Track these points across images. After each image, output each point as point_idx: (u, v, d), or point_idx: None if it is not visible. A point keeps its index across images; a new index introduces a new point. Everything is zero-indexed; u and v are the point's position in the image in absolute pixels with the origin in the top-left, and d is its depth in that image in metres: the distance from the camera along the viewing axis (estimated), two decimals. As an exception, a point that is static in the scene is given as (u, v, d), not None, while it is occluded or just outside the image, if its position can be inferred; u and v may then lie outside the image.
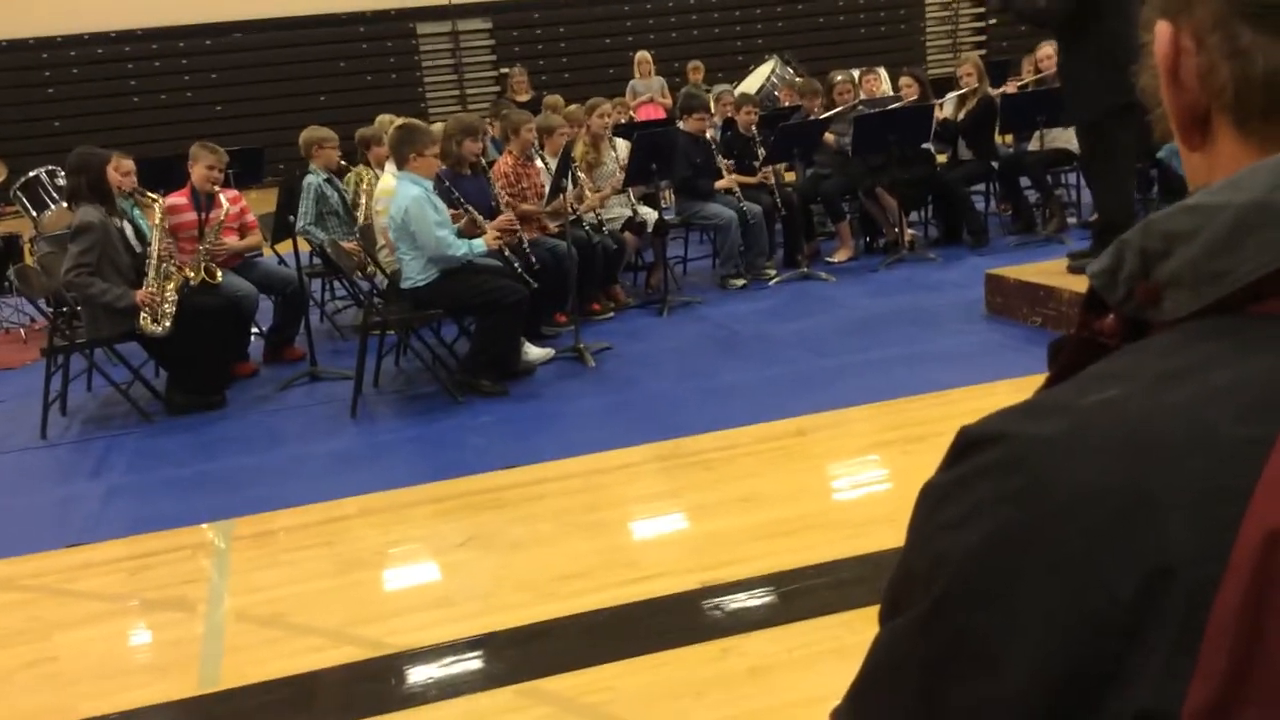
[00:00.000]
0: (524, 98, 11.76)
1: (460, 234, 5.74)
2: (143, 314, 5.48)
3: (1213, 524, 0.47)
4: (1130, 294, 0.57)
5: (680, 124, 7.81)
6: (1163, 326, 0.56)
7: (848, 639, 3.05)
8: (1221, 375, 0.51)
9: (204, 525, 4.31)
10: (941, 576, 0.53)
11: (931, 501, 0.56)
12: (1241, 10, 0.55)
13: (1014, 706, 0.50)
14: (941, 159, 8.40)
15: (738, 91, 9.78)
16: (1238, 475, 0.47)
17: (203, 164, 6.19)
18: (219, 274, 5.98)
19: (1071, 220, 8.26)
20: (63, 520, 4.48)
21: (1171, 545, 0.47)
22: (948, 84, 8.77)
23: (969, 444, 0.56)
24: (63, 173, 7.43)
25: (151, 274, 5.58)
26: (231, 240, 6.30)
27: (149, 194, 5.92)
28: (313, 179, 6.77)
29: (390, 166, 6.10)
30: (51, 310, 5.92)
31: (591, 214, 7.03)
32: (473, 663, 3.19)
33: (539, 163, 7.00)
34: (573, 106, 8.11)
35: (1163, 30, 0.59)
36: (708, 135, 7.78)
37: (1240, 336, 0.52)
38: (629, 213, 7.28)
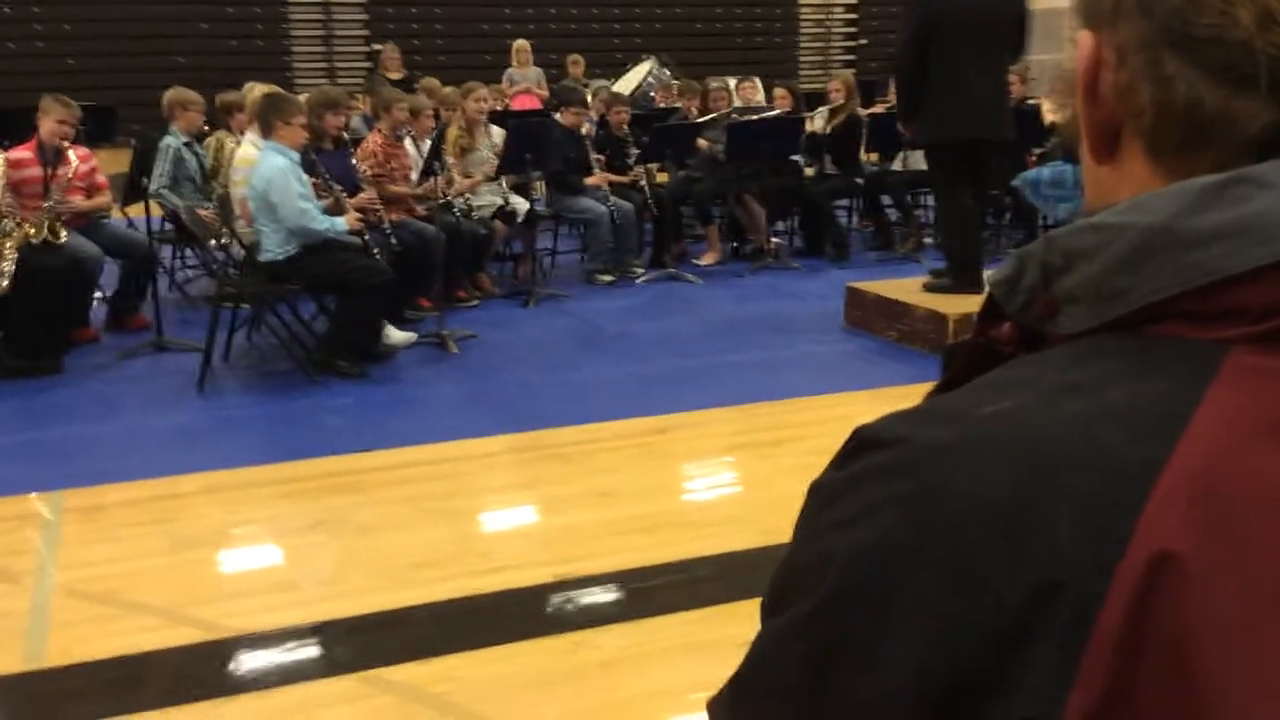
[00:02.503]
0: (396, 76, 11.52)
1: (324, 211, 5.59)
2: (-23, 270, 5.18)
3: (1101, 539, 0.47)
4: (1029, 304, 0.57)
5: (556, 116, 7.77)
6: (1060, 339, 0.56)
7: (699, 635, 3.08)
8: (1117, 393, 0.51)
9: (32, 495, 4.09)
10: (828, 575, 0.53)
11: (821, 499, 0.56)
12: (1168, 37, 0.54)
13: (893, 707, 0.50)
14: (809, 172, 8.58)
15: (613, 90, 9.81)
16: (1129, 493, 0.48)
17: (52, 117, 5.86)
18: (63, 233, 5.68)
19: (928, 240, 8.53)
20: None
21: (1059, 557, 0.48)
22: (819, 99, 8.96)
23: (862, 444, 0.55)
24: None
25: (-11, 229, 5.27)
26: (78, 199, 5.98)
27: (-12, 145, 5.59)
28: (172, 141, 6.50)
29: (251, 135, 5.89)
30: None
31: (461, 200, 6.93)
32: (313, 649, 3.10)
33: (408, 144, 6.87)
34: (448, 89, 7.99)
35: (1085, 39, 0.58)
36: (583, 130, 7.77)
37: (1136, 356, 0.53)
38: (500, 201, 7.21)
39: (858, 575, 0.52)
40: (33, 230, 5.52)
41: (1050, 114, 8.13)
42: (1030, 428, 0.51)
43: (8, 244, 5.31)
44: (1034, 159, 8.11)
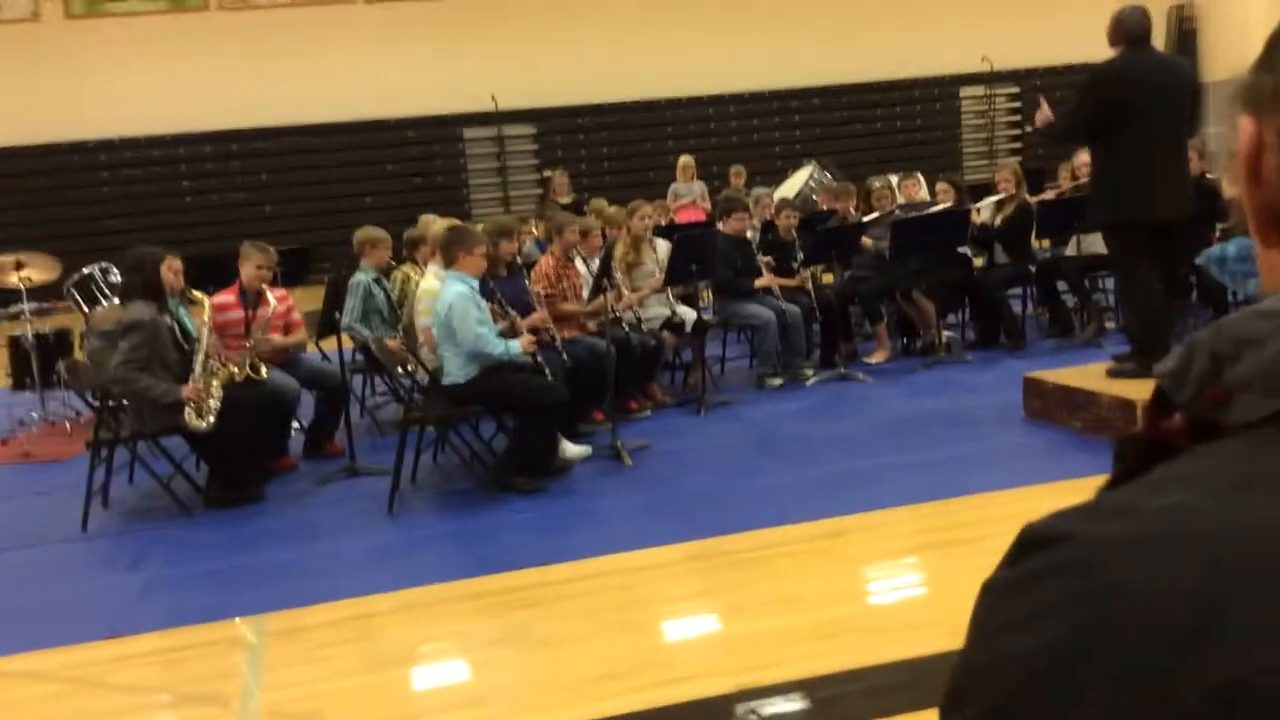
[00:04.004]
0: (565, 200, 12.00)
1: (500, 334, 5.82)
2: (188, 409, 5.57)
3: None
4: (1199, 395, 0.55)
5: (720, 225, 7.92)
6: (1233, 429, 0.54)
7: (886, 746, 2.98)
8: None
9: (238, 620, 4.31)
10: (1004, 678, 0.51)
11: (993, 599, 0.55)
12: None
13: None
14: (978, 262, 8.44)
15: (777, 196, 9.93)
16: None
17: (253, 263, 6.33)
18: (264, 370, 6.07)
19: (1109, 325, 8.24)
20: (101, 612, 4.49)
21: (1241, 657, 0.46)
22: (984, 189, 8.86)
23: (1032, 542, 0.54)
24: (114, 270, 7.66)
25: (198, 370, 5.67)
26: (277, 337, 6.40)
27: (196, 292, 6.03)
28: (362, 277, 6.88)
29: (434, 267, 6.21)
30: (98, 404, 6.02)
31: (630, 313, 7.10)
32: (504, 764, 3.15)
33: (579, 263, 7.11)
34: (614, 209, 8.25)
35: (1246, 125, 0.58)
36: (748, 235, 7.88)
37: None
38: (667, 312, 7.35)
39: (1033, 679, 0.50)
40: (236, 369, 5.92)
41: (1231, 189, 7.82)
42: (1205, 523, 0.50)
43: (214, 383, 5.70)
44: (1217, 235, 7.78)
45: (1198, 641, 0.47)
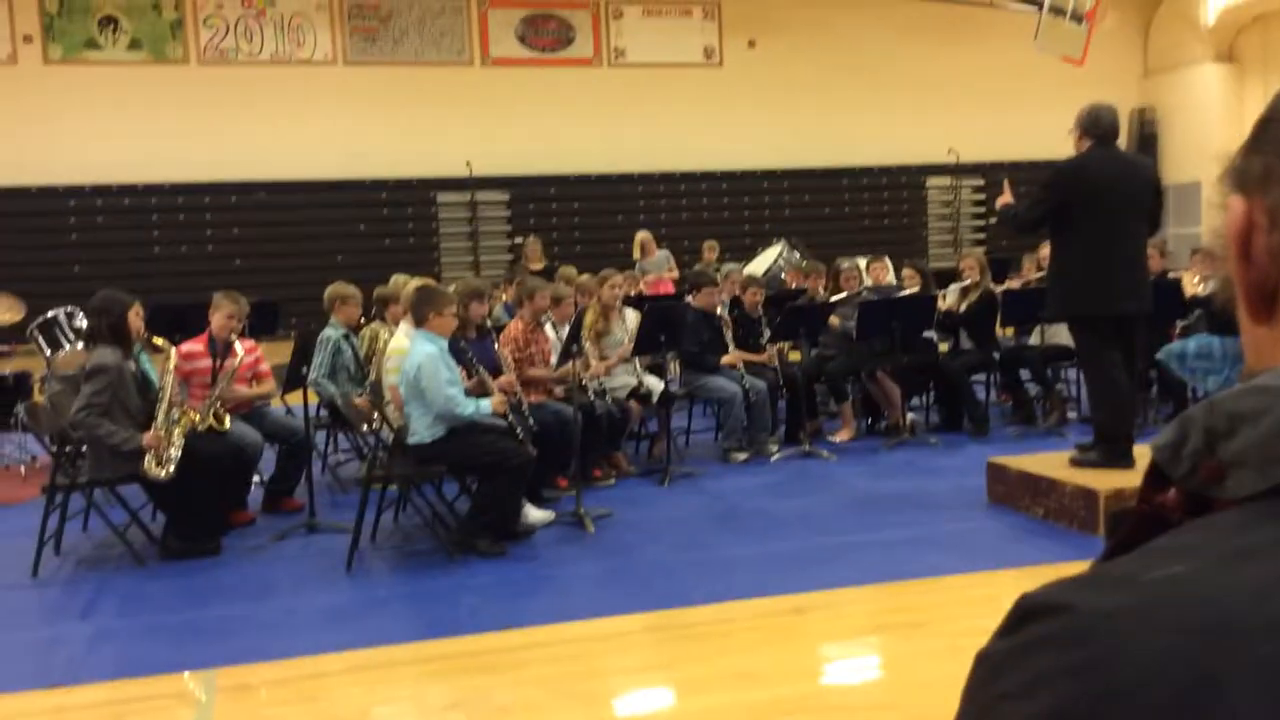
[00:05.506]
0: (537, 266, 12.05)
1: (467, 394, 5.81)
2: (148, 457, 5.50)
3: None
4: (1194, 469, 0.56)
5: (689, 299, 7.99)
6: (1227, 504, 0.55)
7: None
8: None
9: (185, 674, 4.22)
10: None
11: (988, 669, 0.54)
12: None
13: None
14: (943, 348, 8.56)
15: (745, 272, 10.05)
16: None
17: (223, 312, 6.31)
18: (227, 421, 6.01)
19: (1071, 415, 8.35)
20: (46, 661, 4.39)
21: None
22: (949, 276, 9.02)
23: (1029, 612, 0.54)
24: (80, 314, 7.60)
25: (160, 418, 5.62)
26: (243, 388, 6.36)
27: (159, 339, 5.98)
28: (331, 333, 6.85)
29: (405, 326, 6.21)
30: (55, 449, 5.93)
31: (596, 381, 7.12)
32: (455, 832, 3.09)
33: (549, 329, 7.13)
34: (585, 276, 8.31)
35: (1236, 205, 0.59)
36: (717, 310, 7.96)
37: None
38: (635, 382, 7.38)
39: None
40: (198, 418, 5.86)
41: (1191, 288, 8.00)
42: (1203, 594, 0.50)
43: (176, 431, 5.64)
44: (1177, 332, 7.95)
45: (1194, 712, 0.47)
